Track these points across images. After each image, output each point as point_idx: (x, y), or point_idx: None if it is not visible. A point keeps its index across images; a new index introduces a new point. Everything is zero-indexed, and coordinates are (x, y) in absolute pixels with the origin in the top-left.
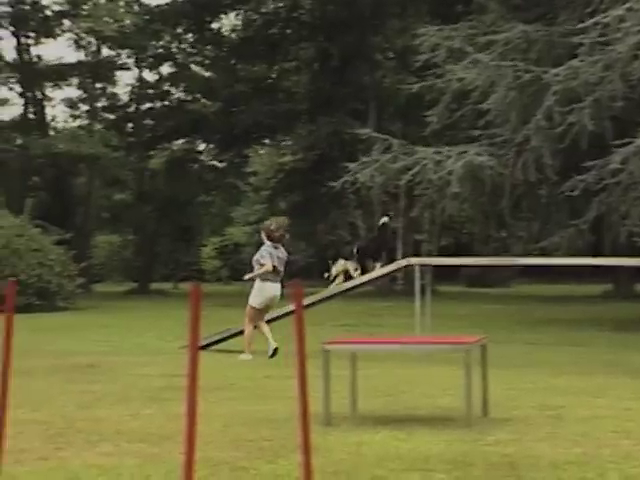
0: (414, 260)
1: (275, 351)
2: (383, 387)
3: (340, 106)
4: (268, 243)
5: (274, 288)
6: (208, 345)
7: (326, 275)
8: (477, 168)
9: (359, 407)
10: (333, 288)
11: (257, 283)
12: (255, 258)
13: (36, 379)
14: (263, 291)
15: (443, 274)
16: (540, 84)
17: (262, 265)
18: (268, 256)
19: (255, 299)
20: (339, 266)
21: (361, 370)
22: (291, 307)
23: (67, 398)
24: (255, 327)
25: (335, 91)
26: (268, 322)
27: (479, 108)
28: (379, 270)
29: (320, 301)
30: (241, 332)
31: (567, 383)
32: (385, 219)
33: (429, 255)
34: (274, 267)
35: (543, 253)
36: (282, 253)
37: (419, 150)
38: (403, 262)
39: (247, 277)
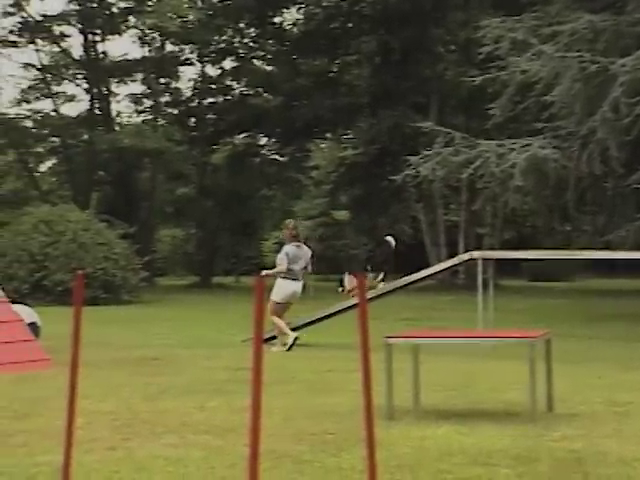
0: (476, 254)
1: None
2: (445, 381)
3: (401, 99)
4: (289, 243)
5: (294, 285)
6: (271, 338)
7: (340, 289)
8: (541, 161)
9: (421, 401)
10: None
11: (278, 280)
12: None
13: (102, 371)
14: (283, 288)
15: (505, 268)
16: (606, 75)
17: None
18: (285, 257)
19: (276, 295)
20: (351, 280)
21: (423, 364)
22: (354, 300)
23: (133, 390)
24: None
25: (396, 84)
26: (331, 316)
27: (543, 100)
28: (441, 264)
29: (381, 295)
30: (303, 325)
31: (635, 379)
32: (389, 238)
33: (491, 249)
34: (289, 268)
35: (609, 247)
36: (304, 251)
37: (481, 143)
38: (465, 256)
39: (264, 273)
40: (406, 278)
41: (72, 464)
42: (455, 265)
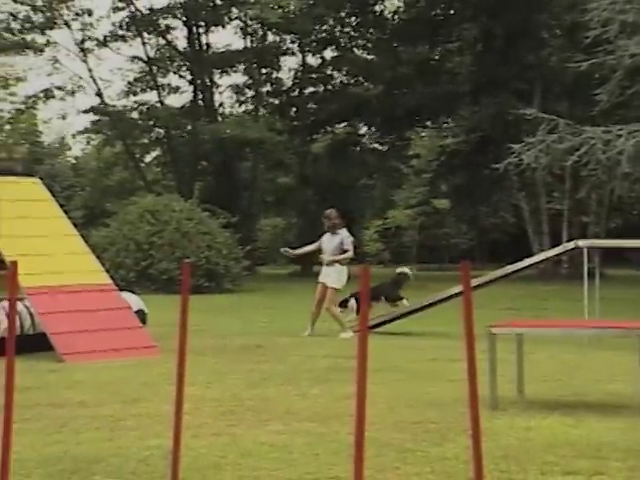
0: (582, 242)
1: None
2: (550, 371)
3: (504, 86)
4: (345, 230)
5: (346, 271)
6: (372, 327)
7: (339, 310)
8: None
9: (525, 391)
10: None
11: (338, 267)
12: (336, 245)
13: (207, 358)
14: (343, 274)
15: (611, 257)
16: None
17: (345, 251)
18: (351, 243)
19: (338, 282)
20: (352, 306)
21: (527, 354)
22: (456, 289)
23: (237, 377)
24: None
25: (499, 71)
26: (433, 304)
27: None
28: (545, 253)
29: (483, 284)
30: (406, 314)
31: None
32: (403, 269)
33: (596, 237)
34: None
35: None
36: None
37: (587, 130)
38: (570, 244)
39: (331, 259)
40: (508, 267)
41: (181, 448)
42: (559, 254)
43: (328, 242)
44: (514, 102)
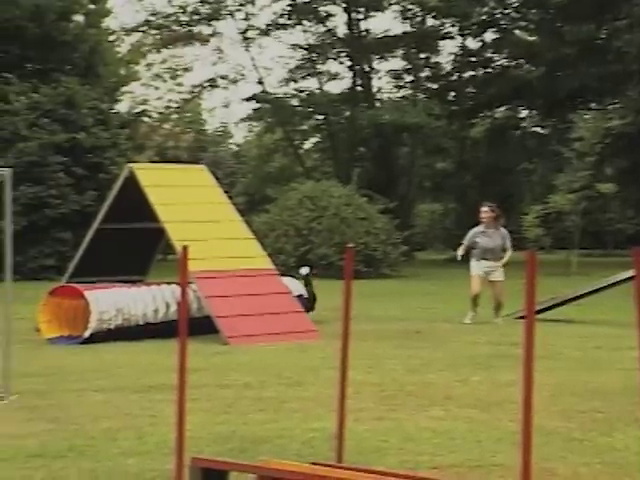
0: None
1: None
2: None
3: None
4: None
5: None
6: (542, 310)
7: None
8: None
9: None
10: None
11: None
12: (501, 243)
13: (367, 343)
14: None
15: None
16: None
17: (505, 249)
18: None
19: (504, 275)
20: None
21: None
22: (626, 275)
23: (396, 362)
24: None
25: None
26: (599, 291)
27: None
28: None
29: None
30: (567, 301)
31: None
32: (305, 270)
33: None
34: None
35: None
36: None
37: None
38: None
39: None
40: None
41: (345, 432)
42: None
43: (489, 238)
44: None
